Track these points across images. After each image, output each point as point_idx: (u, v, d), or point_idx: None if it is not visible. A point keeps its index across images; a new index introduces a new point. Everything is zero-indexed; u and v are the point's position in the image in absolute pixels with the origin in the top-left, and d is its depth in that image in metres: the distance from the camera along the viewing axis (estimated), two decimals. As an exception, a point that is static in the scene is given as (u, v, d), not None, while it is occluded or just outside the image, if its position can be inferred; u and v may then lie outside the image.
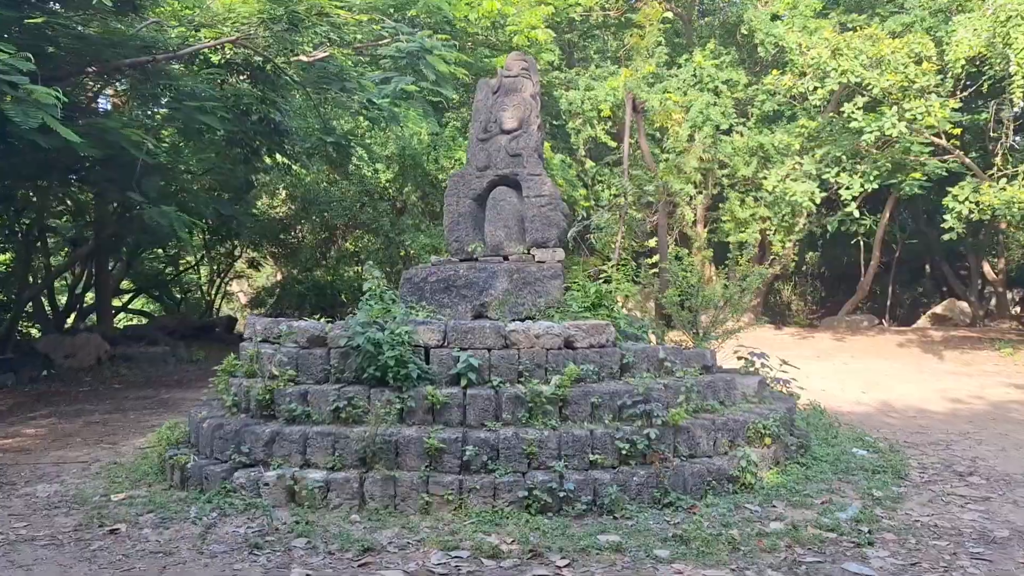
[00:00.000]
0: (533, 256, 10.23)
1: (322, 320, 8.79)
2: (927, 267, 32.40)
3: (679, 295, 9.75)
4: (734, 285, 9.76)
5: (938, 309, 25.28)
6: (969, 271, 28.63)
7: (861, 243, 25.44)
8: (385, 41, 12.66)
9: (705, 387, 8.69)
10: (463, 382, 7.89)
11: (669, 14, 22.08)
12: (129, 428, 11.32)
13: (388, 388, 7.78)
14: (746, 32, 21.52)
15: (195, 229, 15.43)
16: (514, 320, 9.60)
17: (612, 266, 9.53)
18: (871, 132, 17.76)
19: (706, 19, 24.85)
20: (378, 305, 8.16)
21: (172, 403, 13.39)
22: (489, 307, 9.95)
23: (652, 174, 10.11)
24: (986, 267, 27.44)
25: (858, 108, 18.03)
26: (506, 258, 10.32)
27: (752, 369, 9.61)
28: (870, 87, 17.77)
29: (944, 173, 19.70)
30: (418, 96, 12.56)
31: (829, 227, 22.04)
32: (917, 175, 19.48)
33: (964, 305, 25.25)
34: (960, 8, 18.77)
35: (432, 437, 7.31)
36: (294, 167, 18.26)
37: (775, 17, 21.19)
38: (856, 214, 19.27)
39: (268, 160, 18.55)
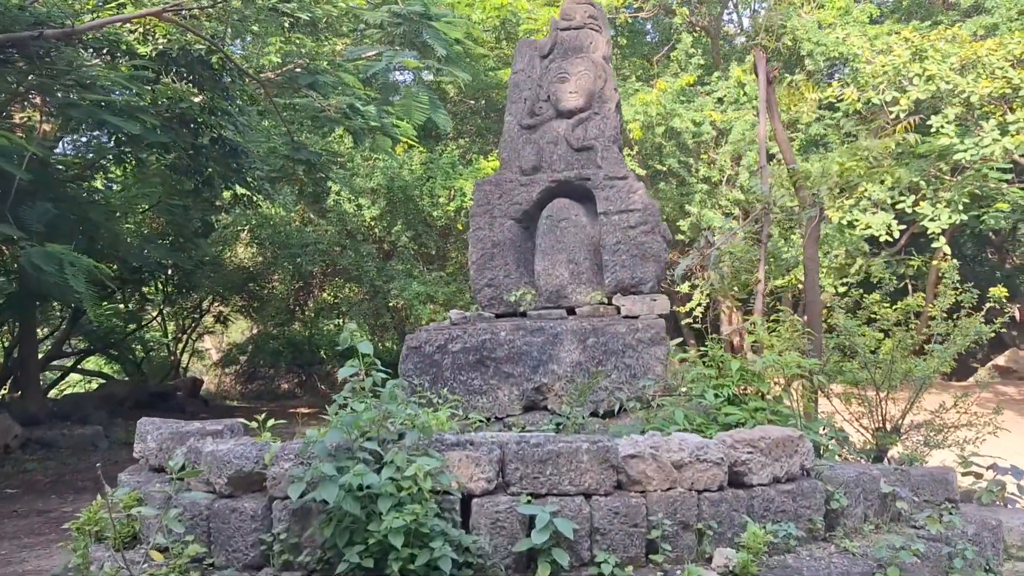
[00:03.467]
0: (617, 308, 6.09)
1: (266, 436, 4.50)
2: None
3: (859, 368, 5.66)
4: (938, 351, 5.72)
5: (1000, 360, 21.33)
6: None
7: (909, 286, 21.49)
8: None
9: (968, 541, 4.52)
10: (543, 571, 3.67)
11: (687, 37, 18.27)
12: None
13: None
14: (791, 43, 17.77)
15: (110, 277, 11.00)
16: (593, 416, 5.42)
17: (756, 322, 5.41)
18: (965, 150, 13.87)
19: (739, 32, 21.12)
20: (368, 407, 3.93)
21: (70, 521, 8.88)
22: (550, 394, 5.75)
23: (796, 174, 6.50)
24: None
25: (948, 121, 14.17)
26: (572, 311, 6.17)
27: (996, 492, 5.50)
28: (965, 95, 13.94)
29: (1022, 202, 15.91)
30: (418, 81, 8.42)
31: (874, 268, 18.07)
32: (1003, 205, 15.57)
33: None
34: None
35: None
36: (256, 200, 13.98)
37: (822, 26, 17.43)
38: (947, 251, 15.29)
39: (226, 194, 14.32)
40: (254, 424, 4.75)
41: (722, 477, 4.06)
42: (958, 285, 5.94)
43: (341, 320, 25.74)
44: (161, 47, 10.50)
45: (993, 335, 6.09)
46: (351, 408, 3.87)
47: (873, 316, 5.87)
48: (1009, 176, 15.34)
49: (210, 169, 12.37)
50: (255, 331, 26.20)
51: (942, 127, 14.43)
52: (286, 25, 10.68)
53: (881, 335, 5.77)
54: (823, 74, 20.42)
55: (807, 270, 6.23)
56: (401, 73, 14.36)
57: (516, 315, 6.30)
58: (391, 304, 17.56)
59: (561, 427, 5.36)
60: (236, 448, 4.12)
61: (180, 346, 25.47)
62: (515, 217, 6.35)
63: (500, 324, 5.97)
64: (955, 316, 5.90)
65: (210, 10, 9.67)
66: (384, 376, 4.05)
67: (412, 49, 7.75)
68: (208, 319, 26.10)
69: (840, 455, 5.16)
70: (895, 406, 5.96)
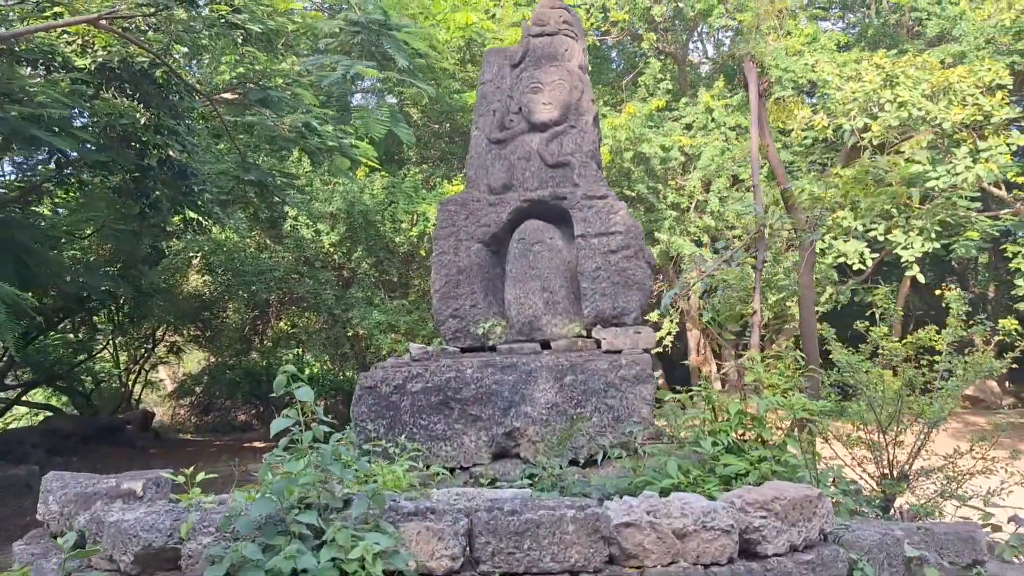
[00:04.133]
0: (597, 341, 5.41)
1: (195, 494, 3.71)
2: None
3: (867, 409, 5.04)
4: (950, 388, 5.13)
5: (968, 390, 21.03)
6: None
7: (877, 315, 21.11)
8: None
9: (1005, 616, 3.88)
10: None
11: (655, 63, 17.91)
12: None
13: None
14: (759, 69, 17.42)
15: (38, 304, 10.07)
16: (573, 464, 4.74)
17: (753, 357, 4.75)
18: (938, 177, 13.54)
19: (703, 61, 20.82)
20: (306, 468, 3.18)
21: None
22: (522, 440, 5.04)
23: (790, 195, 5.95)
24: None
25: (922, 147, 13.85)
26: (546, 345, 5.48)
27: (1019, 547, 4.89)
28: (937, 122, 13.64)
29: (996, 232, 15.72)
30: (377, 90, 7.69)
31: (842, 298, 17.71)
32: (974, 234, 15.28)
33: (994, 384, 21.09)
34: (1018, 35, 15.00)
35: None
36: (207, 224, 13.11)
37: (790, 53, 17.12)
38: (921, 279, 14.88)
39: (176, 219, 13.46)
40: (181, 478, 3.97)
41: (732, 547, 3.37)
42: (968, 317, 5.38)
43: (300, 350, 24.82)
44: (101, 59, 9.69)
45: (1004, 371, 5.52)
46: (285, 470, 3.12)
47: (879, 351, 5.27)
48: (977, 204, 15.09)
49: (158, 192, 11.53)
50: (211, 361, 25.21)
51: (914, 154, 14.14)
52: (238, 40, 9.95)
53: (889, 372, 5.16)
54: (792, 100, 20.17)
55: (803, 299, 5.65)
56: (364, 97, 13.65)
57: (484, 349, 5.60)
58: (351, 333, 16.72)
59: (536, 479, 4.65)
60: (146, 518, 3.34)
61: (132, 377, 24.33)
62: (483, 240, 5.66)
63: (466, 360, 5.26)
64: (966, 351, 5.33)
65: (153, 19, 8.90)
66: (327, 430, 3.30)
67: (371, 60, 7.07)
68: (161, 349, 25.03)
69: (854, 511, 4.51)
70: (901, 450, 5.34)
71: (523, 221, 5.62)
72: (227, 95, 10.66)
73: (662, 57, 18.46)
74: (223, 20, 9.24)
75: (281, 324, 20.98)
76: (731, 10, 16.68)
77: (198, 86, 10.67)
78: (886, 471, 5.31)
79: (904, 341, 5.20)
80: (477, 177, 5.87)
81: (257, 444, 19.13)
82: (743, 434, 4.58)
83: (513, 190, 5.70)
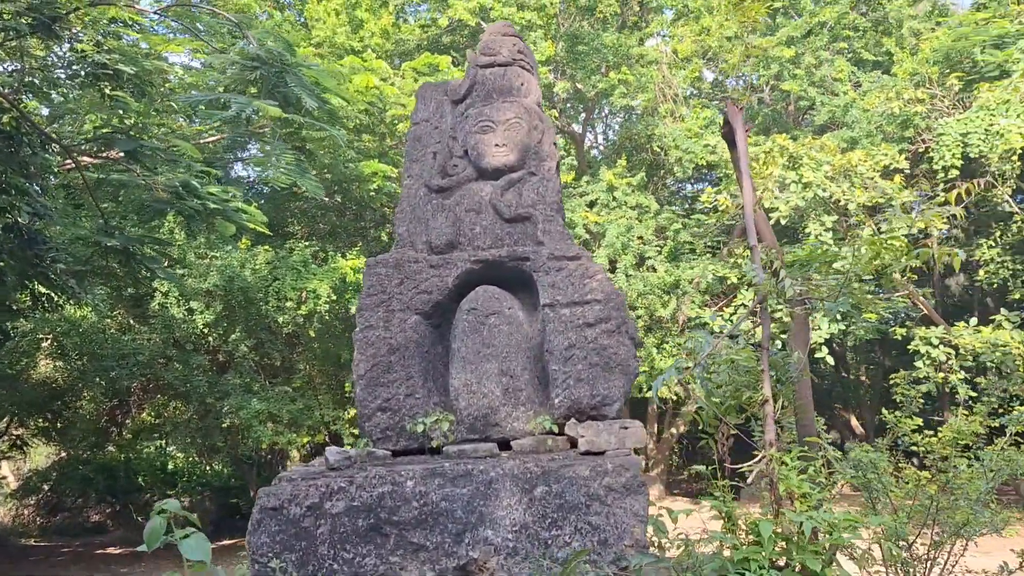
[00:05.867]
0: (572, 440, 4.22)
1: None
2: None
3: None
4: (985, 488, 4.21)
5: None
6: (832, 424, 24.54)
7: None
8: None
9: None
10: None
11: (561, 139, 17.45)
12: None
13: None
14: (659, 149, 17.14)
15: None
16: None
17: (783, 459, 3.65)
18: (843, 259, 13.30)
19: (594, 145, 20.54)
20: None
21: None
22: None
23: (779, 256, 5.12)
24: (853, 420, 23.54)
25: (827, 228, 13.68)
26: (506, 445, 4.24)
27: None
28: (842, 204, 13.54)
29: (887, 314, 15.81)
30: (276, 135, 6.35)
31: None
32: (871, 316, 15.21)
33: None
34: (905, 124, 15.35)
35: None
36: (59, 300, 11.15)
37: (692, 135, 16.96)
38: (830, 360, 14.50)
39: (23, 296, 11.43)
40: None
41: None
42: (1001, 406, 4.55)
43: (163, 442, 22.27)
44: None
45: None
46: None
47: (913, 447, 4.32)
48: (873, 287, 14.98)
49: (1, 263, 9.67)
50: (61, 455, 22.41)
51: (819, 235, 13.99)
52: (106, 90, 8.43)
53: (924, 473, 4.21)
54: (691, 181, 20.13)
55: (799, 380, 4.73)
56: (255, 151, 12.17)
57: (424, 452, 4.29)
58: (225, 424, 14.77)
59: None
60: None
61: (-31, 473, 21.10)
62: (422, 311, 4.41)
63: (404, 468, 3.93)
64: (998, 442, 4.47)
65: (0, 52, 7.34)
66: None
67: (271, 99, 5.82)
68: (3, 443, 22.03)
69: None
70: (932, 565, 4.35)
71: (473, 287, 4.42)
72: (88, 159, 9.09)
73: (563, 135, 17.99)
74: (88, 60, 7.78)
75: (144, 414, 18.62)
76: (631, 91, 16.41)
77: (54, 136, 9.02)
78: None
79: (938, 435, 4.27)
80: (412, 233, 4.65)
81: (112, 550, 16.65)
82: (775, 560, 3.46)
83: (460, 249, 4.51)
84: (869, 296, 4.45)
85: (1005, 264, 15.75)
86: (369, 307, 4.41)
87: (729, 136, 4.59)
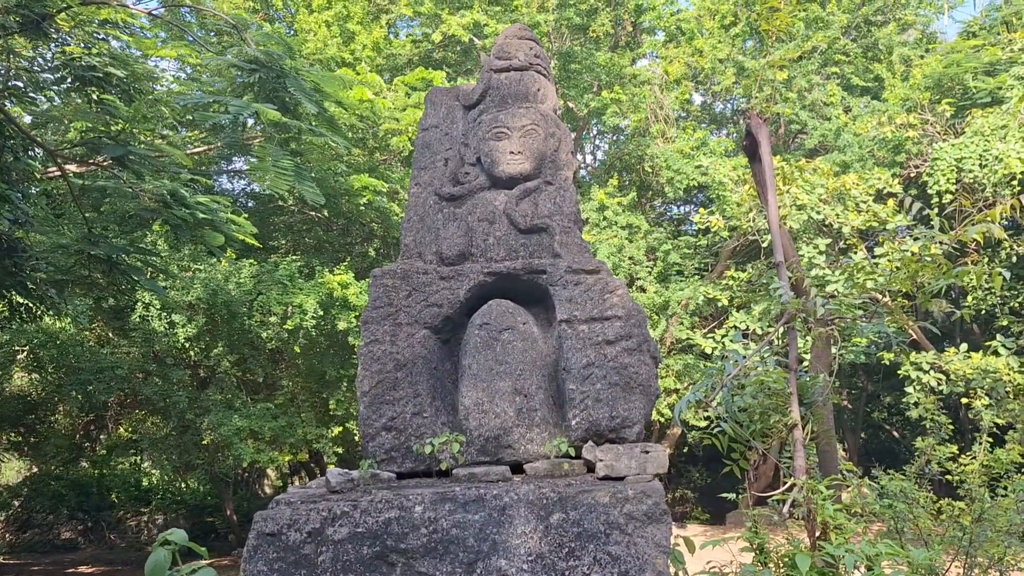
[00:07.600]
0: (589, 464, 3.97)
1: None
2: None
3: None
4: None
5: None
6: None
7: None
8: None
9: None
10: None
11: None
12: None
13: None
14: (649, 169, 17.04)
15: None
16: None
17: (818, 488, 3.40)
18: (836, 281, 13.25)
19: (586, 165, 20.42)
20: None
21: None
22: (499, 609, 3.45)
23: (800, 273, 4.94)
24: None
25: (820, 252, 13.58)
26: (518, 468, 3.99)
27: None
28: (834, 227, 13.47)
29: (876, 339, 15.69)
30: (271, 135, 6.08)
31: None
32: (861, 340, 15.11)
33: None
34: (897, 148, 15.34)
35: None
36: (37, 310, 10.75)
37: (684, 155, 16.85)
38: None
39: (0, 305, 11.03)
40: None
41: None
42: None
43: (139, 458, 21.73)
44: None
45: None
46: None
47: (948, 475, 4.12)
48: (860, 312, 14.87)
49: (-23, 272, 9.28)
50: (33, 470, 21.91)
51: (813, 259, 13.88)
52: (94, 95, 8.12)
53: (959, 504, 4.01)
54: (677, 204, 20.03)
55: (825, 404, 4.53)
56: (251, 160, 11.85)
57: (432, 475, 4.03)
58: (205, 441, 14.34)
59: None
60: None
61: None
62: (431, 325, 4.15)
63: (412, 492, 3.66)
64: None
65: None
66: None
67: (270, 104, 5.57)
68: (-32, 458, 21.37)
69: None
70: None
71: (486, 300, 4.18)
72: (72, 167, 8.77)
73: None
74: (77, 63, 7.48)
75: (120, 430, 18.12)
76: (624, 110, 16.30)
77: (38, 140, 8.70)
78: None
79: (977, 461, 4.07)
80: (420, 243, 4.40)
81: (83, 569, 16.15)
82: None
83: (472, 260, 4.27)
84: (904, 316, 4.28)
85: (992, 291, 15.70)
86: (375, 320, 4.15)
87: (751, 149, 4.41)
